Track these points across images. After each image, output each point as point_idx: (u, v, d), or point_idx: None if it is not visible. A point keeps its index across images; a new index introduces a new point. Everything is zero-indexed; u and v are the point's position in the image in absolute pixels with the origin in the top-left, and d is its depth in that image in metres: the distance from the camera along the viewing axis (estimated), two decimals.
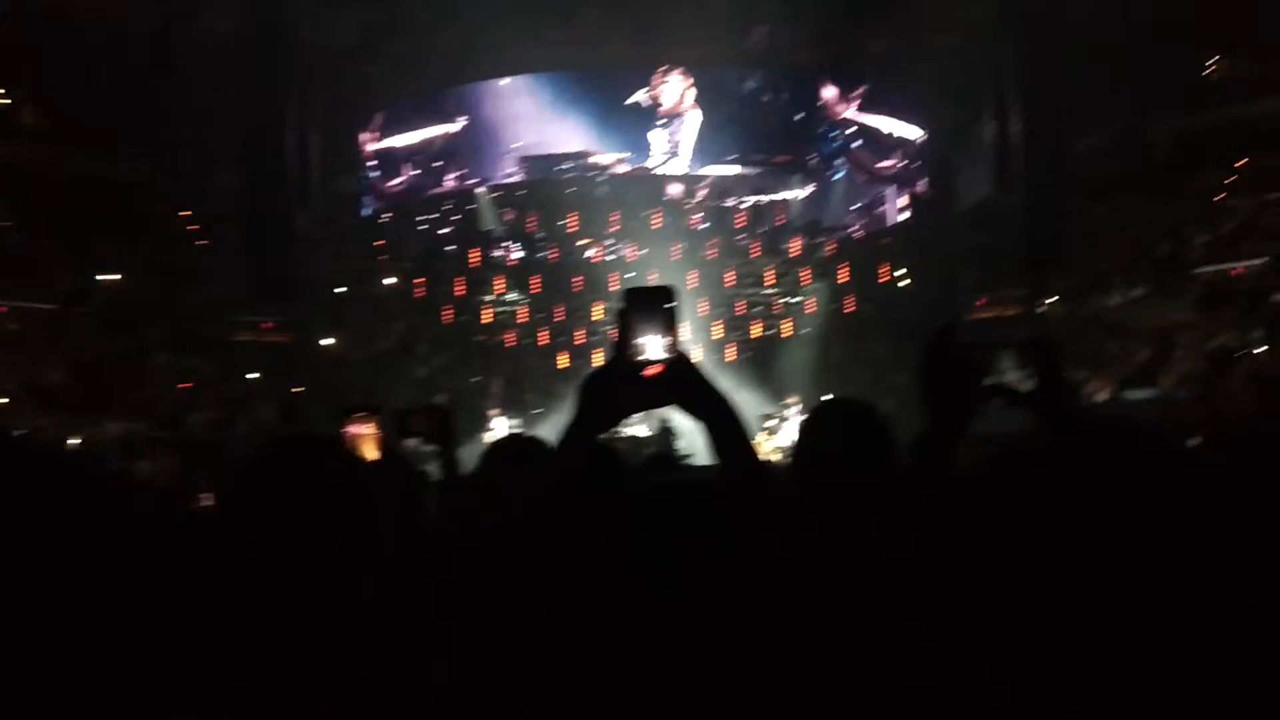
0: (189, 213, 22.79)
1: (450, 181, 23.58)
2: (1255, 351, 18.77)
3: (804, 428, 2.51)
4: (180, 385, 20.04)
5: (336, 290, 23.39)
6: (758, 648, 1.41)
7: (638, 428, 18.70)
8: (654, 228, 23.64)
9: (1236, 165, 21.91)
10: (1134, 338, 20.62)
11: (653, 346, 1.68)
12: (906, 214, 25.06)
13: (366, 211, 24.34)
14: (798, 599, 1.52)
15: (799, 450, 2.49)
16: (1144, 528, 1.21)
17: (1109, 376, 19.37)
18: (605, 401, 1.71)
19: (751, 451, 1.71)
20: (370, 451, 2.58)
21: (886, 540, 1.71)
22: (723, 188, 24.37)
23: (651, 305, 1.69)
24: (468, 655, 1.89)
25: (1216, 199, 21.88)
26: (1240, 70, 22.33)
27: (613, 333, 1.70)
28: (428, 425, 2.99)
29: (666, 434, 16.14)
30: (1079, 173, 22.11)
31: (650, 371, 1.67)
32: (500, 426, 18.44)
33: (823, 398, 2.51)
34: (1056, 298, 22.23)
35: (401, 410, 2.95)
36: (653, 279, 22.39)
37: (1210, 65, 22.74)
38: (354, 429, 2.59)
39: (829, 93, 23.50)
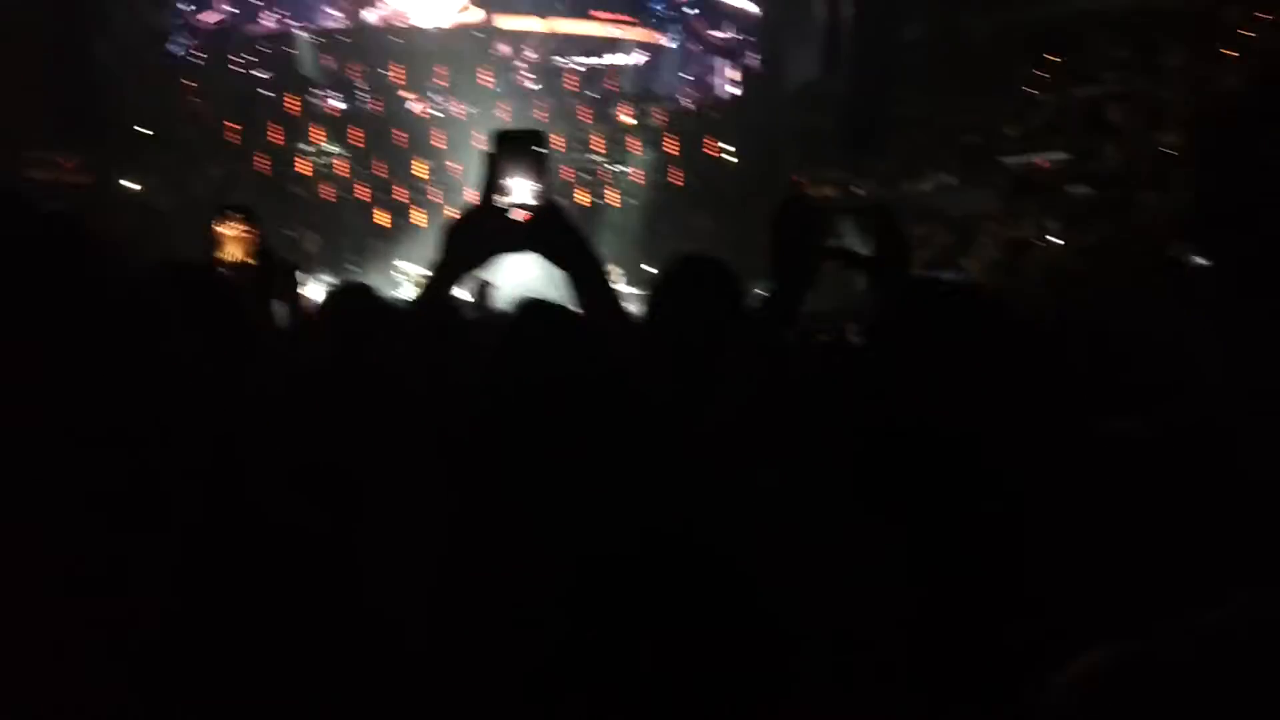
0: None
1: (268, 22, 22.26)
2: (1052, 241, 19.80)
3: (659, 281, 2.49)
4: None
5: (142, 131, 22.03)
6: (630, 498, 1.41)
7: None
8: (481, 85, 23.05)
9: (1050, 59, 22.66)
10: (940, 223, 21.41)
11: (521, 190, 1.65)
12: (736, 89, 25.13)
13: (178, 49, 22.83)
14: (662, 448, 1.51)
15: (653, 303, 2.44)
16: (982, 378, 1.27)
17: (915, 260, 20.07)
18: (472, 245, 1.69)
19: (616, 302, 1.70)
20: (241, 253, 2.51)
21: (731, 392, 1.75)
22: (554, 48, 23.86)
23: (522, 149, 1.67)
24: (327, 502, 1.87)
25: (1027, 92, 22.65)
26: None
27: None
28: (277, 279, 2.93)
29: (485, 291, 16.03)
30: (902, 60, 22.52)
31: (519, 216, 1.65)
32: (310, 286, 17.96)
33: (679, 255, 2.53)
34: (871, 181, 22.80)
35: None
36: (477, 138, 22.00)
37: None
38: (227, 228, 2.52)
39: None
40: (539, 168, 1.67)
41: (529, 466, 1.42)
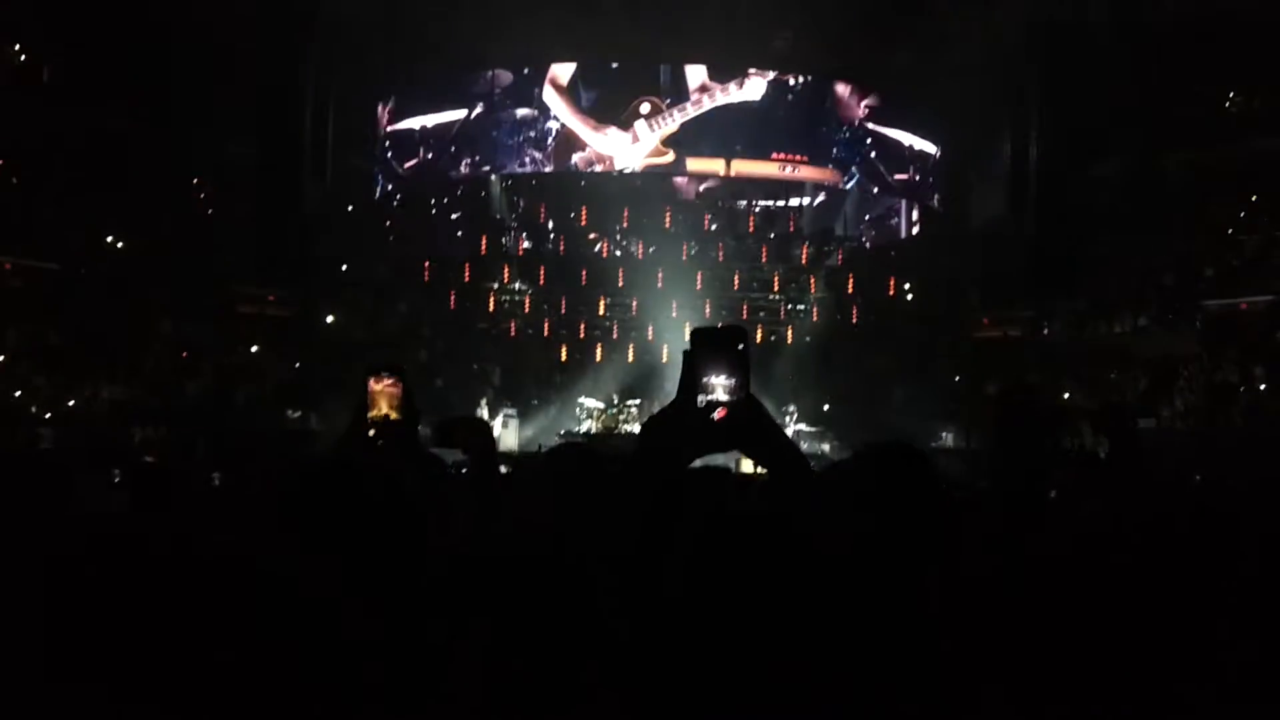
0: (199, 180, 22.74)
1: (464, 167, 23.45)
2: (1255, 387, 18.76)
3: (858, 472, 2.44)
4: (180, 354, 20.00)
5: (343, 268, 23.34)
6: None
7: (635, 425, 18.71)
8: (663, 226, 23.62)
9: (1248, 200, 21.86)
10: (1135, 366, 20.59)
11: (719, 388, 1.64)
12: (917, 228, 25.02)
13: (379, 192, 24.26)
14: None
15: (853, 494, 2.41)
16: (1224, 600, 1.22)
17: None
18: (672, 443, 1.67)
19: (816, 496, 1.68)
20: (390, 410, 2.59)
21: (950, 586, 1.69)
22: (734, 190, 24.31)
23: (720, 346, 1.66)
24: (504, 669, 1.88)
25: (1227, 232, 21.82)
26: (1257, 106, 22.26)
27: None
28: (467, 436, 2.99)
29: None
30: (1091, 199, 22.06)
31: (718, 414, 1.63)
32: (491, 417, 18.44)
33: (875, 442, 2.45)
34: (1059, 322, 22.20)
35: (444, 420, 2.94)
36: (659, 276, 22.46)
37: (1229, 100, 22.67)
38: (378, 385, 2.61)
39: (843, 90, 23.07)
40: (738, 365, 1.65)
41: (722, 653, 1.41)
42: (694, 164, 22.59)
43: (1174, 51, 21.00)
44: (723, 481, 3.23)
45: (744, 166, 22.61)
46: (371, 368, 2.60)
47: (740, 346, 1.66)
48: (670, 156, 22.19)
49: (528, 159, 22.69)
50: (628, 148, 22.06)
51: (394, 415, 2.54)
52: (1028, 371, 19.41)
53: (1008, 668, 1.40)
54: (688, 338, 1.67)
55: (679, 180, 24.33)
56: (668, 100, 22.13)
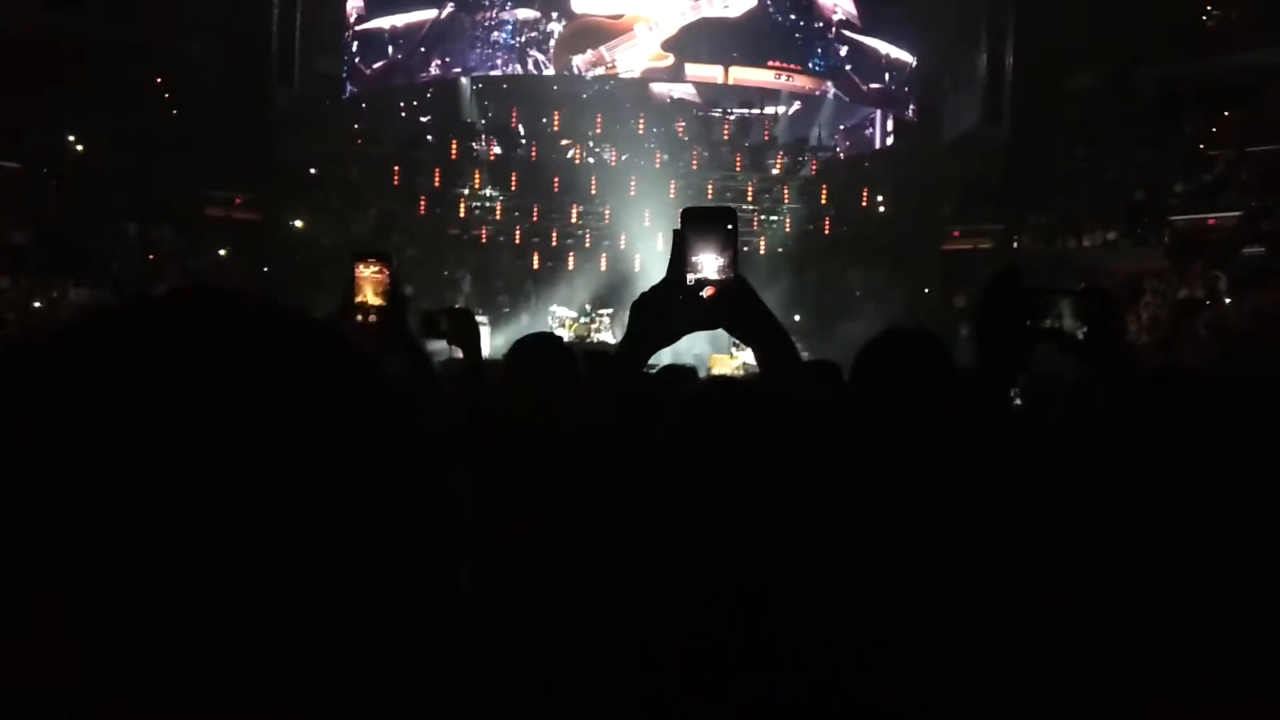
0: (163, 80, 22.27)
1: (433, 69, 23.04)
2: (1221, 301, 19.00)
3: (866, 354, 2.46)
4: (147, 256, 19.81)
5: (310, 172, 23.04)
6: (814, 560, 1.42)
7: (607, 333, 18.77)
8: (637, 132, 23.40)
9: (1221, 115, 21.87)
10: (1103, 280, 20.74)
11: (709, 267, 1.68)
12: (891, 139, 24.92)
13: (346, 93, 23.83)
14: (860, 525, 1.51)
15: (857, 377, 2.43)
16: (1210, 477, 1.22)
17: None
18: (660, 320, 1.72)
19: (804, 375, 1.73)
20: (377, 296, 2.59)
21: (934, 470, 1.73)
22: (709, 96, 24.06)
23: (709, 226, 1.69)
24: (503, 561, 1.90)
25: (1198, 148, 21.87)
26: (1232, 21, 22.15)
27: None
28: (453, 326, 3.01)
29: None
30: (1065, 112, 22.00)
31: (708, 292, 1.68)
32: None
33: (887, 329, 2.47)
34: (1029, 235, 22.31)
35: (427, 310, 2.96)
36: (631, 183, 22.32)
37: (1206, 13, 22.54)
38: (365, 271, 2.60)
39: None
40: (727, 244, 1.69)
41: (713, 542, 1.43)
42: (692, 69, 22.35)
43: None
44: (690, 378, 3.30)
45: (741, 74, 22.40)
46: (358, 253, 2.60)
47: (730, 226, 1.70)
48: (670, 60, 21.98)
49: (530, 60, 22.30)
50: (628, 49, 21.81)
51: (380, 302, 2.55)
52: None
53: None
54: (679, 218, 1.72)
55: (652, 86, 24.03)
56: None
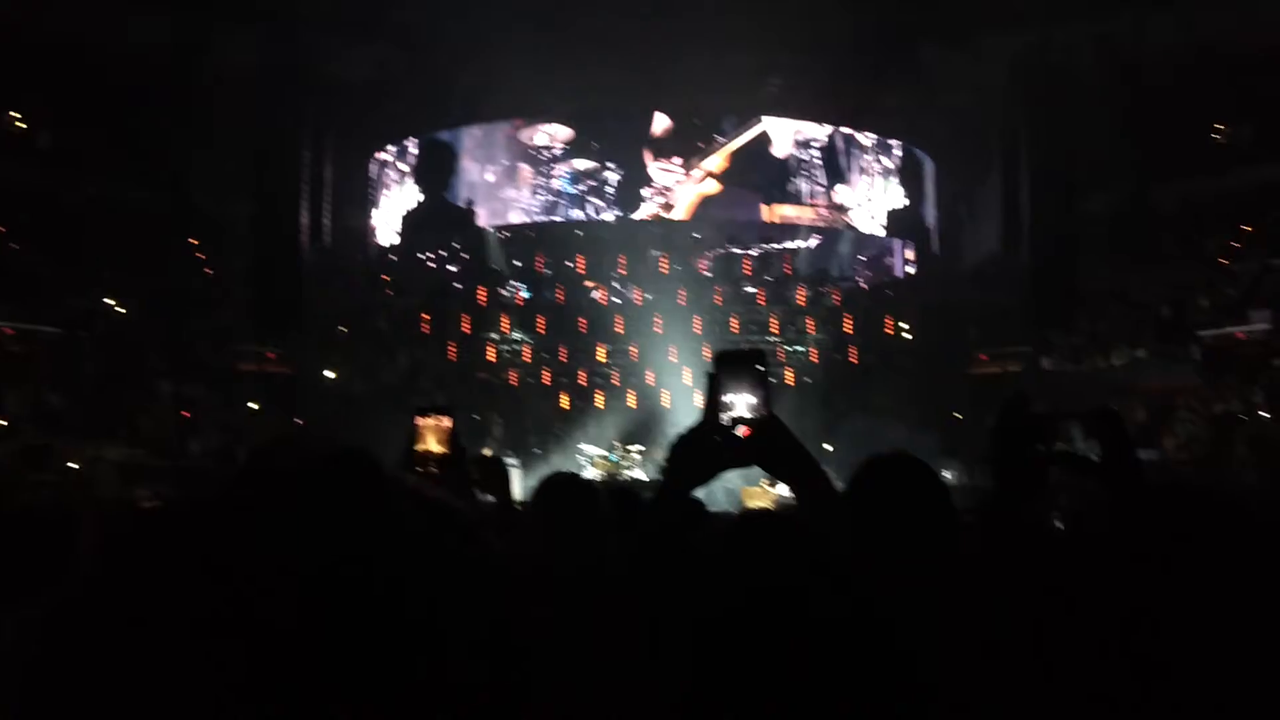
0: (197, 241, 22.90)
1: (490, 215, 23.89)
2: (1258, 416, 18.79)
3: (860, 483, 2.46)
4: (181, 413, 20.04)
5: (341, 323, 23.46)
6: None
7: (638, 470, 18.72)
8: (660, 272, 23.75)
9: (1241, 229, 22.00)
10: (1134, 398, 20.60)
11: (742, 406, 1.72)
12: (912, 268, 25.17)
13: (374, 249, 24.43)
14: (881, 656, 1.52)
15: (856, 507, 2.43)
16: (1218, 591, 1.24)
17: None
18: (697, 460, 1.75)
19: (840, 509, 1.75)
20: (440, 444, 2.63)
21: (954, 601, 1.72)
22: (730, 234, 24.48)
23: (742, 367, 1.74)
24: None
25: (1221, 262, 21.95)
26: (1245, 136, 22.47)
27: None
28: (483, 474, 3.05)
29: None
30: (1084, 233, 22.23)
31: (743, 431, 1.71)
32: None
33: (873, 456, 2.46)
34: (1056, 356, 22.27)
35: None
36: (656, 322, 22.56)
37: (1216, 131, 22.89)
38: (426, 421, 2.64)
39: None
40: (760, 384, 1.74)
41: (754, 676, 1.43)
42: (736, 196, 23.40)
43: (1159, 85, 21.28)
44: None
45: (783, 210, 23.37)
46: (419, 408, 2.65)
47: (761, 367, 1.74)
48: (717, 186, 22.93)
49: (589, 206, 23.23)
50: (685, 183, 23.03)
51: (444, 450, 2.59)
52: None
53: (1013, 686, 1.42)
54: (710, 360, 1.77)
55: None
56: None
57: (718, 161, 23.12)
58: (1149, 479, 1.84)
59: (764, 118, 23.27)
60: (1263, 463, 16.96)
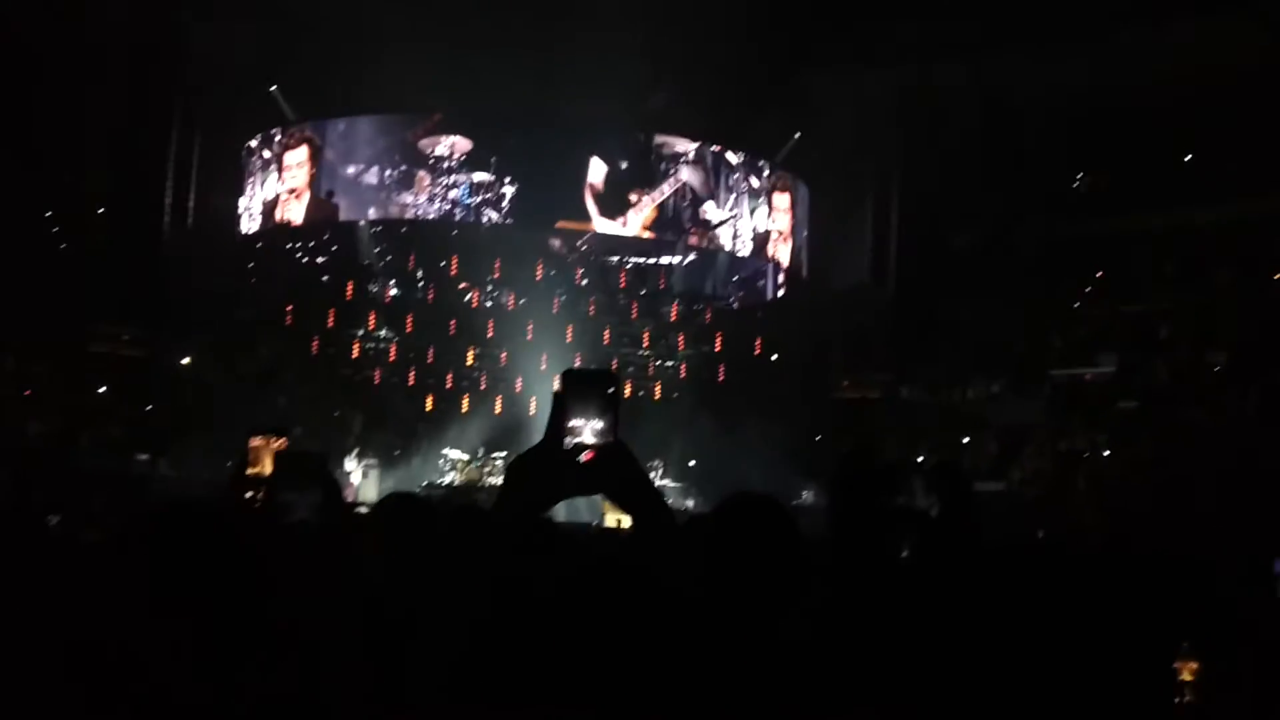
0: (52, 214, 21.89)
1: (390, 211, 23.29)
2: (1099, 454, 19.64)
3: (718, 524, 2.42)
4: (22, 392, 19.14)
5: (201, 309, 22.63)
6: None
7: (500, 478, 18.53)
8: (535, 279, 23.60)
9: (1095, 275, 22.99)
10: (987, 431, 21.33)
11: (588, 431, 1.63)
12: (783, 291, 25.60)
13: (241, 235, 23.67)
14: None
15: (710, 545, 2.39)
16: (1050, 643, 1.26)
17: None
18: (536, 484, 1.66)
19: (678, 543, 1.67)
20: (269, 465, 2.54)
21: (791, 640, 1.70)
22: (608, 246, 24.50)
23: (590, 389, 1.65)
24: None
25: (1073, 306, 22.90)
26: (1103, 187, 23.50)
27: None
28: (298, 471, 2.93)
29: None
30: (949, 268, 22.96)
31: (586, 457, 1.62)
32: (353, 467, 18.10)
33: (733, 493, 2.44)
34: (917, 386, 22.90)
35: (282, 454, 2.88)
36: (528, 328, 22.41)
37: (1077, 180, 23.89)
38: (261, 443, 2.55)
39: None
40: (608, 408, 1.64)
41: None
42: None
43: (1029, 129, 22.11)
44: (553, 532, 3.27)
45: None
46: (255, 429, 2.54)
47: (611, 390, 1.66)
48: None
49: (485, 218, 22.78)
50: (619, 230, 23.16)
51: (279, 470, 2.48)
52: (885, 434, 19.96)
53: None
54: (557, 381, 1.67)
55: (552, 236, 24.44)
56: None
57: (648, 213, 23.04)
58: (984, 534, 1.86)
59: (682, 167, 23.30)
60: (1101, 499, 17.71)
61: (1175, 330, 21.34)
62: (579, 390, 1.64)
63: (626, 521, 1.76)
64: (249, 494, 2.40)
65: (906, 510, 1.81)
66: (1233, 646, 2.57)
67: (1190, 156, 22.08)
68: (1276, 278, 20.75)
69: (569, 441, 1.62)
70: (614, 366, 22.77)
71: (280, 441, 2.24)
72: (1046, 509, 17.41)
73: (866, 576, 1.73)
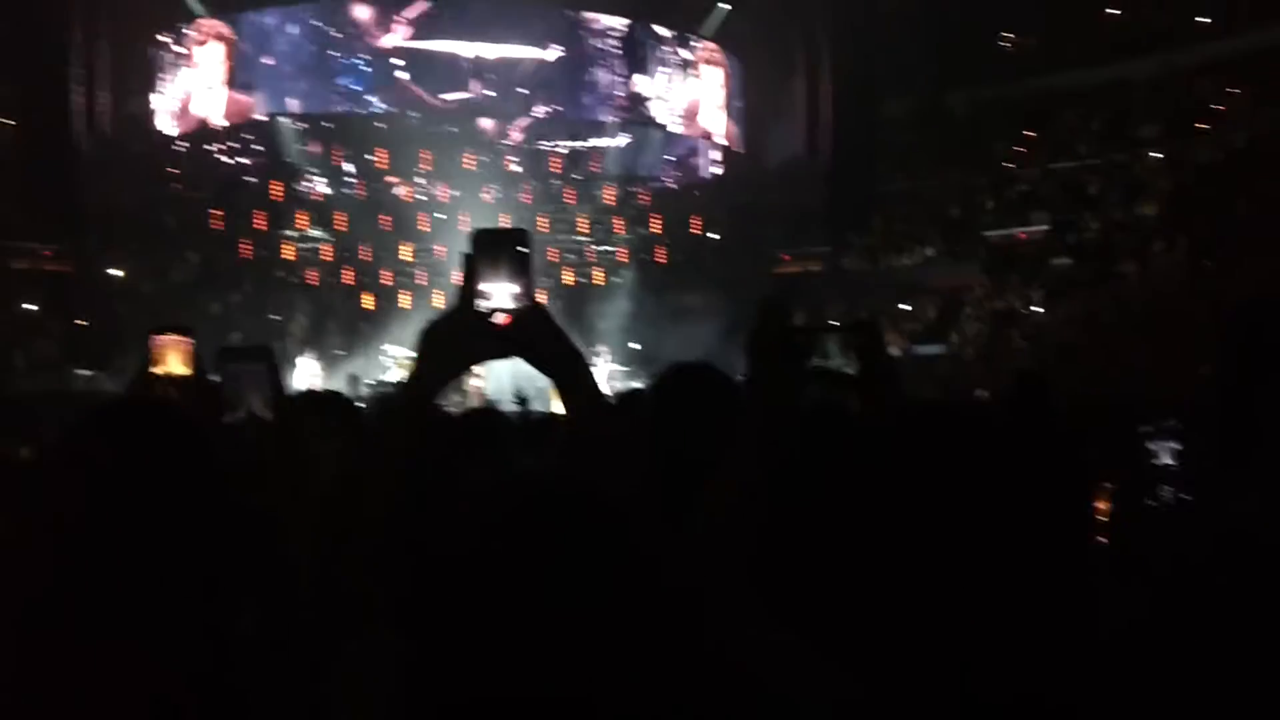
0: None
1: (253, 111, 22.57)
2: (1035, 312, 19.97)
3: (659, 393, 2.39)
4: None
5: (125, 218, 22.04)
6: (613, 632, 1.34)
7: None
8: (466, 168, 23.21)
9: (1026, 135, 23.05)
10: (925, 296, 21.57)
11: (502, 294, 1.56)
12: (718, 168, 25.45)
13: (159, 138, 22.96)
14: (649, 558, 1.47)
15: (651, 417, 2.36)
16: (969, 510, 1.26)
17: (901, 333, 20.23)
18: (449, 352, 1.60)
19: (602, 411, 1.63)
20: (181, 366, 2.45)
21: (713, 510, 1.67)
22: (538, 131, 24.11)
23: (502, 249, 1.57)
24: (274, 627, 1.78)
25: (1005, 166, 23.00)
26: (1030, 46, 23.45)
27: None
28: (190, 394, 2.86)
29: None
30: (883, 137, 22.91)
31: (500, 320, 1.56)
32: (306, 367, 17.97)
33: (674, 363, 2.42)
34: (854, 255, 23.04)
35: (224, 348, 2.79)
36: (463, 220, 22.12)
37: (1005, 40, 23.80)
38: (165, 340, 2.45)
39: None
40: (522, 269, 1.57)
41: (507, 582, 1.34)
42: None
43: None
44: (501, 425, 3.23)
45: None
46: (156, 328, 2.46)
47: (524, 249, 1.58)
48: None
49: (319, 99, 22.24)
50: None
51: (185, 371, 2.41)
52: (825, 304, 20.09)
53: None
54: (469, 241, 1.61)
55: (481, 122, 23.95)
56: None
57: None
58: (902, 394, 1.83)
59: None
60: (1037, 355, 18.05)
61: (1105, 186, 21.54)
62: (491, 250, 1.57)
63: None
64: (161, 392, 2.34)
65: (821, 370, 1.77)
66: (1150, 483, 2.63)
67: (1118, 10, 22.10)
68: (1199, 127, 20.92)
69: (481, 304, 1.57)
70: (555, 256, 22.71)
71: (186, 340, 2.19)
72: (987, 369, 17.72)
73: (778, 440, 1.71)
